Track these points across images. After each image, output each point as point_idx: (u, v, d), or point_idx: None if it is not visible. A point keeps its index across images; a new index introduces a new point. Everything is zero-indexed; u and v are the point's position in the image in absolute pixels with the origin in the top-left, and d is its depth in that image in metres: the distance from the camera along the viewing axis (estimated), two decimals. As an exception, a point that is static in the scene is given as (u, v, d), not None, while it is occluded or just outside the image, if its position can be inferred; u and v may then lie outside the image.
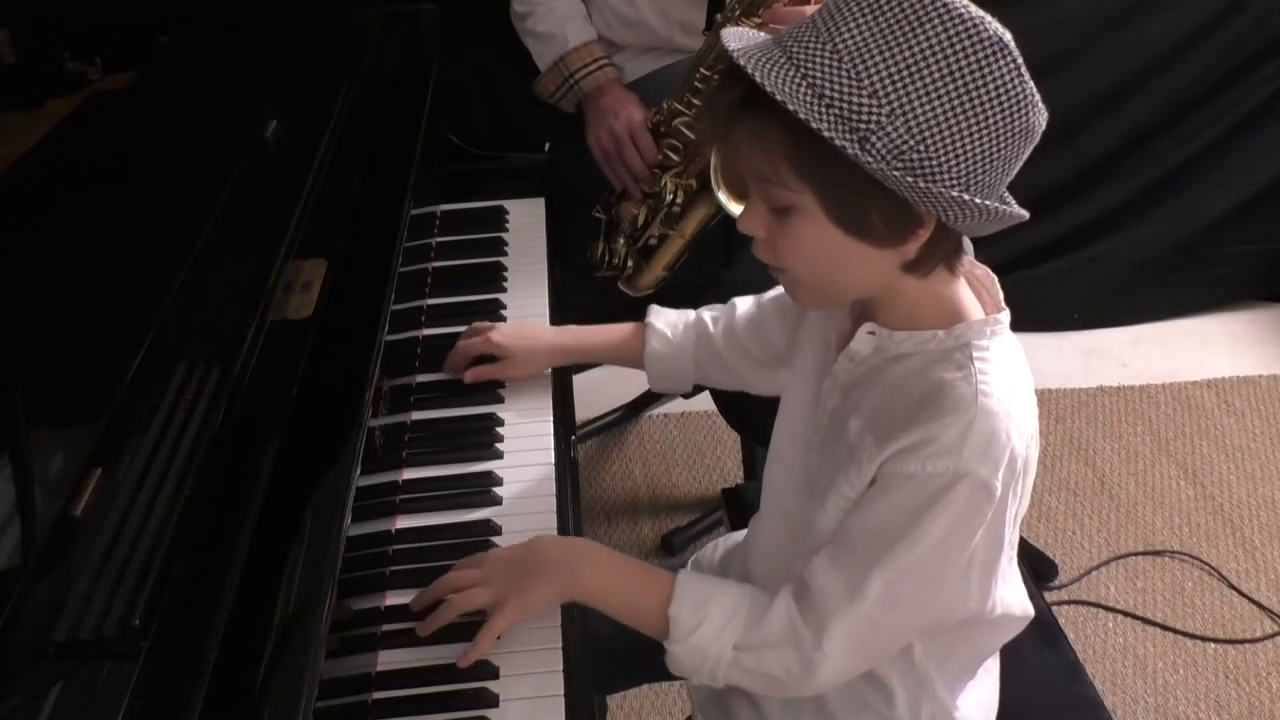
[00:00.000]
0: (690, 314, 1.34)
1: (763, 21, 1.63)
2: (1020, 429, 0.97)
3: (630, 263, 1.82)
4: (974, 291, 1.03)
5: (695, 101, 1.72)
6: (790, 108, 0.88)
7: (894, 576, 0.96)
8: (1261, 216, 2.78)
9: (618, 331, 1.36)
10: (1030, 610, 1.10)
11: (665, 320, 1.34)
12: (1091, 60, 2.56)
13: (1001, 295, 1.04)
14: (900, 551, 0.96)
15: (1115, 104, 2.63)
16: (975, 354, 0.98)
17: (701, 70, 1.71)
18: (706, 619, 1.02)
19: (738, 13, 1.66)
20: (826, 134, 0.88)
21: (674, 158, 1.75)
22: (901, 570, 0.96)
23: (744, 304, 1.31)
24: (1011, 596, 1.06)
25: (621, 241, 1.82)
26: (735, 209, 1.47)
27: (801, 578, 1.02)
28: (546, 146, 1.77)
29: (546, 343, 1.36)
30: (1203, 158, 2.71)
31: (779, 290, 1.25)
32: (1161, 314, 2.84)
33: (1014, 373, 0.99)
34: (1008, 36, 0.89)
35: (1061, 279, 2.75)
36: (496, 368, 1.34)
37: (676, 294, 1.88)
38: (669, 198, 1.74)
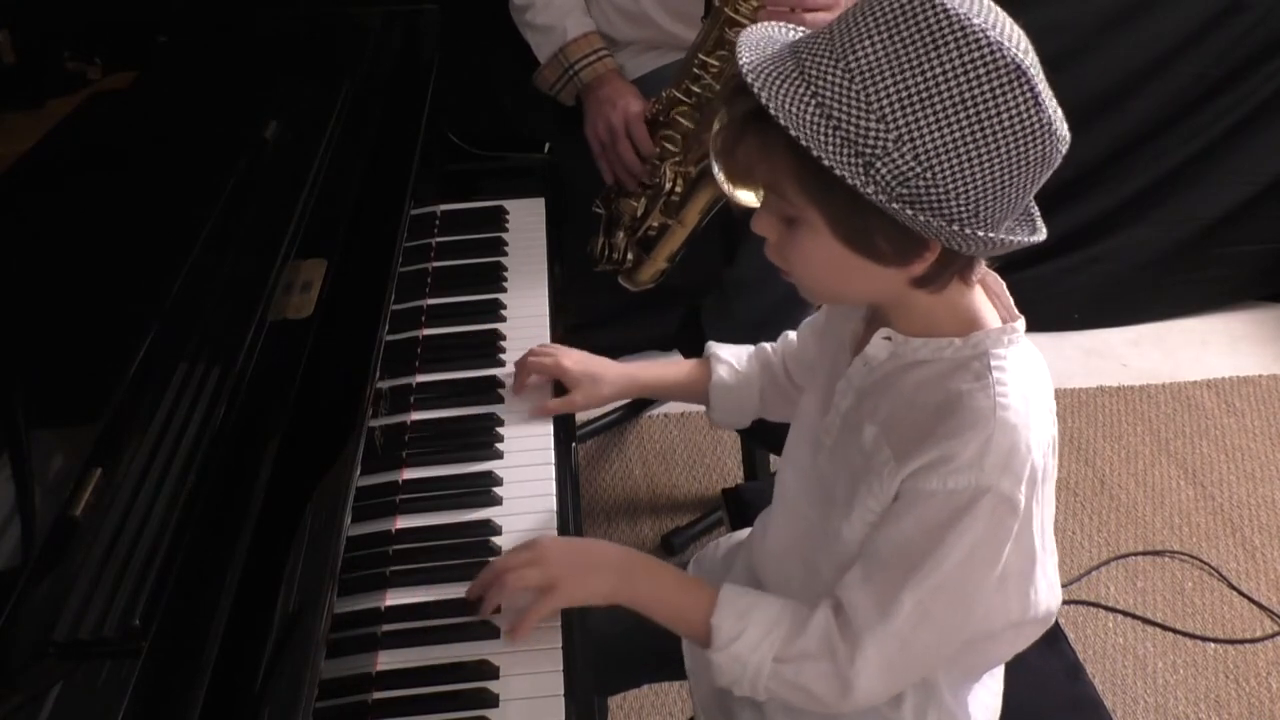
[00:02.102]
0: (750, 347, 1.34)
1: (760, 4, 1.62)
2: (1040, 439, 0.96)
3: (630, 255, 1.81)
4: (988, 297, 1.02)
5: (695, 89, 1.71)
6: (793, 134, 0.86)
7: (923, 595, 0.96)
8: (1261, 216, 2.78)
9: (683, 366, 1.36)
10: (1055, 612, 1.09)
11: (729, 352, 1.33)
12: (1091, 60, 2.56)
13: (1012, 301, 1.03)
14: (928, 570, 0.95)
15: (1115, 104, 2.62)
16: (993, 363, 0.97)
17: (700, 57, 1.69)
18: (747, 629, 1.02)
19: None
20: (827, 163, 0.86)
21: (672, 148, 1.74)
22: (930, 588, 0.96)
23: (794, 334, 1.31)
24: (1045, 597, 1.06)
25: (621, 234, 1.81)
26: (737, 194, 1.46)
27: (836, 594, 1.02)
28: (546, 146, 1.77)
29: (613, 377, 1.34)
30: (1203, 158, 2.71)
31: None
32: (1161, 314, 2.84)
33: (1032, 381, 0.99)
34: (1028, 60, 0.86)
35: (1061, 279, 2.75)
36: (566, 400, 1.32)
37: (677, 293, 1.89)
38: (668, 186, 1.73)
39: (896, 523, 0.98)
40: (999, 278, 1.04)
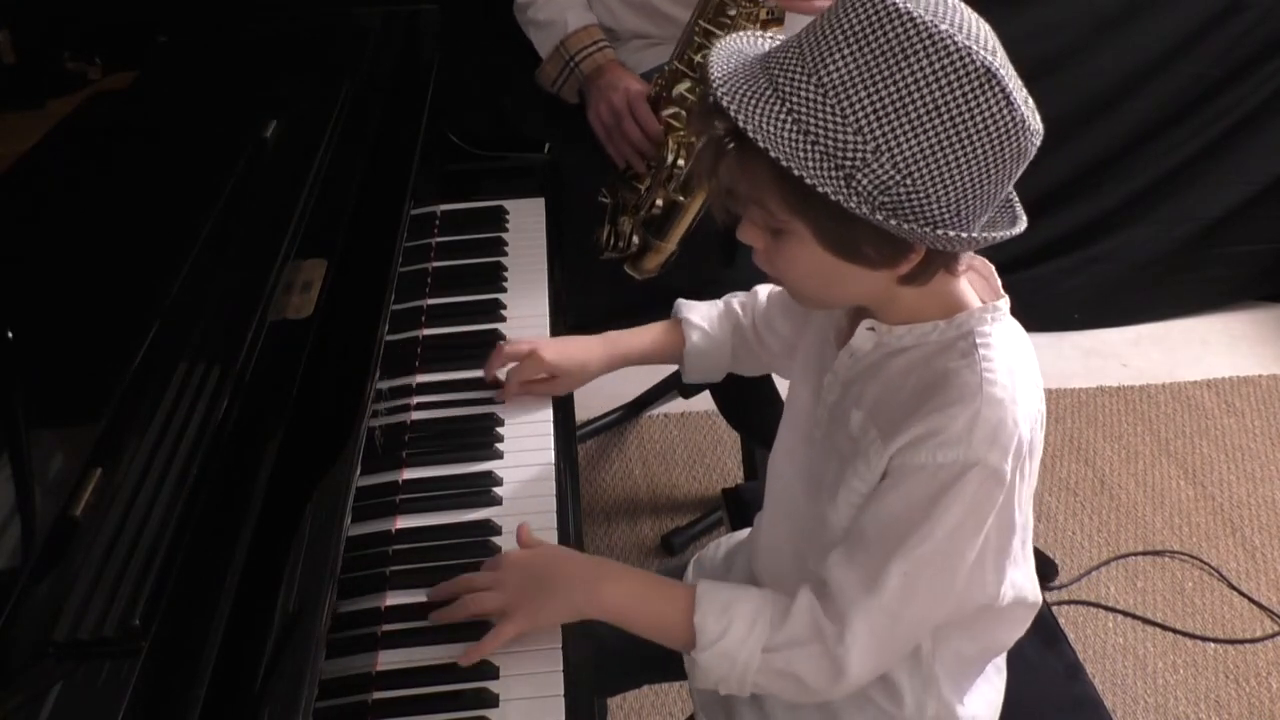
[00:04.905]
0: (720, 305, 1.34)
1: None
2: (1026, 414, 0.97)
3: (636, 239, 1.79)
4: (976, 279, 1.04)
5: (697, 59, 1.68)
6: (773, 155, 0.87)
7: (910, 568, 0.96)
8: (1261, 216, 2.78)
9: (655, 331, 1.36)
10: (1039, 597, 1.10)
11: (700, 314, 1.34)
12: (1091, 60, 2.56)
13: (999, 282, 1.04)
14: (915, 543, 0.96)
15: (1115, 104, 2.63)
16: (978, 340, 0.98)
17: (701, 24, 1.68)
18: (732, 624, 1.00)
19: None
20: (809, 180, 0.87)
21: (677, 124, 1.72)
22: (917, 561, 0.96)
23: (763, 292, 1.31)
24: (1024, 580, 1.06)
25: (626, 219, 1.79)
26: None
27: (819, 575, 1.01)
28: (546, 146, 1.77)
29: (596, 357, 1.34)
30: (1202, 158, 2.71)
31: None
32: (1161, 314, 2.84)
33: (1017, 357, 1.00)
34: (997, 61, 0.87)
35: (1061, 279, 2.75)
36: (548, 385, 1.32)
37: (677, 294, 1.88)
38: (670, 159, 1.71)
39: (883, 498, 0.98)
40: (986, 260, 1.05)
